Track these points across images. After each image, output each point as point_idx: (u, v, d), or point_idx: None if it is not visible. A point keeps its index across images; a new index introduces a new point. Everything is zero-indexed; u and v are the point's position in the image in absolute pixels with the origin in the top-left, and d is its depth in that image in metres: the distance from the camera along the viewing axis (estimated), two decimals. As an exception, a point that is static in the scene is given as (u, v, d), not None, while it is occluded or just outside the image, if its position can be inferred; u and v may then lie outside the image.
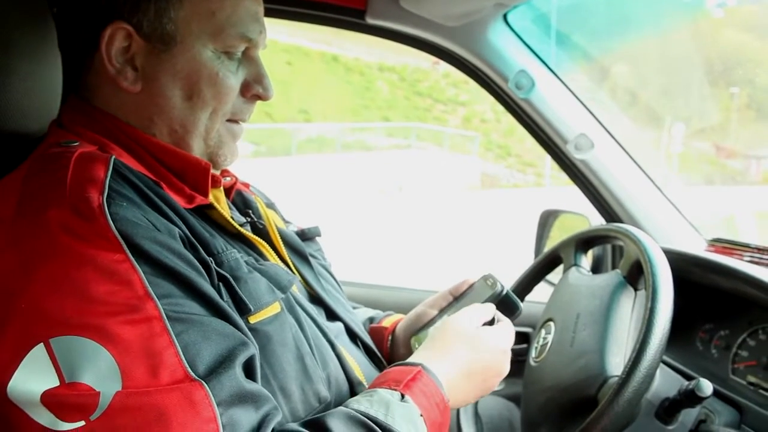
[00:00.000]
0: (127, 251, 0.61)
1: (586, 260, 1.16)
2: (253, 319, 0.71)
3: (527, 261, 1.26)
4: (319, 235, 1.03)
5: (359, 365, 0.88)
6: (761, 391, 1.04)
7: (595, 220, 1.44)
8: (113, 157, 0.70)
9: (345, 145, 16.07)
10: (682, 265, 1.17)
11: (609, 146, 1.39)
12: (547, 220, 1.59)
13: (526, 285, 1.23)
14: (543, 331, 1.07)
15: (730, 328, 1.17)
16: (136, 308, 0.60)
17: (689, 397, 0.91)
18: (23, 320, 0.58)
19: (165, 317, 0.60)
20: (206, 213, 0.78)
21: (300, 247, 0.94)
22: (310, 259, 0.94)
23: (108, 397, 0.56)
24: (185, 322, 0.61)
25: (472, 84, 1.43)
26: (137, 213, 0.65)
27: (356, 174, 13.64)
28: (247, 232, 0.82)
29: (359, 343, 0.93)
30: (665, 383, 0.98)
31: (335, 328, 0.89)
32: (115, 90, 0.77)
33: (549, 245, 1.53)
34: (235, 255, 0.74)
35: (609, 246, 1.39)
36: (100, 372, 0.57)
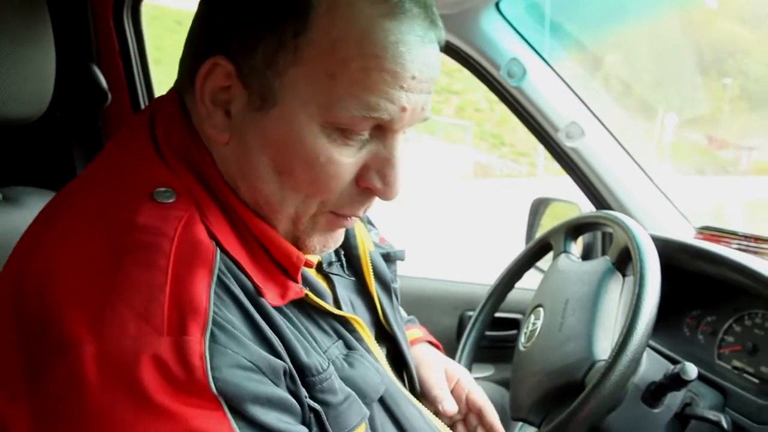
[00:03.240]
0: (228, 413, 0.51)
1: (576, 247, 1.17)
2: None
3: (519, 249, 1.28)
4: (402, 259, 0.90)
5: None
6: (745, 375, 1.06)
7: (585, 208, 1.45)
8: (218, 256, 0.56)
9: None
10: (671, 252, 1.18)
11: (600, 134, 1.40)
12: (538, 208, 1.60)
13: (516, 272, 1.24)
14: (532, 317, 1.09)
15: (716, 315, 1.19)
16: None
17: (675, 381, 0.93)
18: None
19: None
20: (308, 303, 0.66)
21: (386, 277, 0.83)
22: (392, 291, 0.84)
23: None
24: None
25: (466, 73, 1.43)
26: (242, 360, 0.53)
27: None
28: (346, 313, 0.70)
29: (405, 378, 0.85)
30: (652, 368, 0.99)
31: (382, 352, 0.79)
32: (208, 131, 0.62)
33: (540, 233, 1.55)
34: (329, 372, 0.62)
35: (599, 233, 1.40)
36: None
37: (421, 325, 1.05)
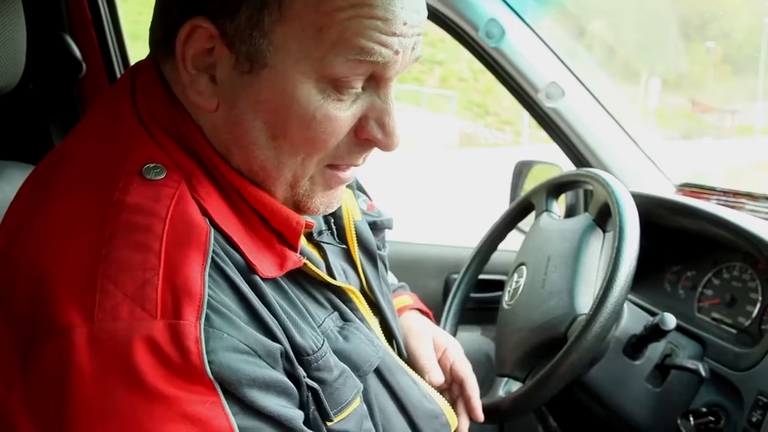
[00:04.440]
0: (222, 397, 0.50)
1: (558, 206, 1.18)
2: (332, 424, 0.61)
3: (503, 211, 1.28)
4: (390, 228, 0.89)
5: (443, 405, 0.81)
6: (723, 326, 1.09)
7: (567, 168, 1.45)
8: (212, 234, 0.54)
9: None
10: (651, 208, 1.19)
11: (579, 94, 1.40)
12: (521, 170, 1.60)
13: (499, 233, 1.25)
14: (515, 276, 1.10)
15: (696, 269, 1.21)
16: None
17: (654, 332, 0.94)
18: None
19: None
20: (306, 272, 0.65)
21: (371, 247, 0.81)
22: (378, 259, 0.82)
23: None
24: None
25: (449, 43, 1.42)
26: (238, 343, 0.52)
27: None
28: (342, 284, 0.69)
29: (394, 347, 0.83)
30: (633, 322, 1.01)
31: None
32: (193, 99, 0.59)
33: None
34: (324, 348, 0.61)
35: (581, 192, 1.41)
36: None
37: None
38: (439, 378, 0.85)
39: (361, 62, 0.55)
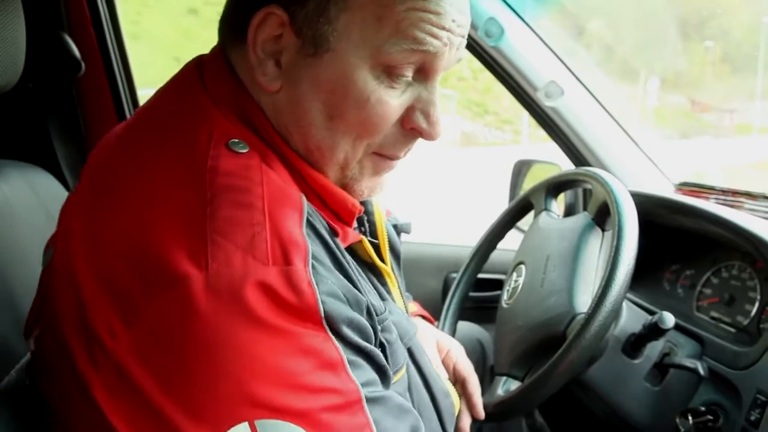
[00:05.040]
0: (330, 333, 0.55)
1: (557, 205, 1.18)
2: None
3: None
4: (408, 232, 0.94)
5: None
6: (722, 324, 1.09)
7: (566, 167, 1.46)
8: (304, 200, 0.60)
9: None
10: (650, 207, 1.20)
11: (579, 93, 1.40)
12: (520, 169, 1.61)
13: (498, 232, 1.25)
14: (514, 274, 1.10)
15: (695, 268, 1.21)
16: (340, 393, 0.54)
17: (653, 330, 0.94)
18: (227, 398, 0.51)
19: (365, 401, 0.56)
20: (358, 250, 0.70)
21: (397, 246, 0.86)
22: (401, 255, 0.88)
23: None
24: (379, 404, 0.57)
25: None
26: (336, 288, 0.57)
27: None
28: (383, 265, 0.74)
29: None
30: (632, 320, 1.01)
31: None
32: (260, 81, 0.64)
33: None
34: (388, 311, 0.67)
35: (580, 191, 1.41)
36: None
37: (408, 290, 1.06)
38: (443, 375, 0.89)
39: (413, 51, 0.61)
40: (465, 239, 1.72)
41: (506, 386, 0.99)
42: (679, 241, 1.24)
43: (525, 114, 1.49)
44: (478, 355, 1.24)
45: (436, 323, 1.09)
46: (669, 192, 1.40)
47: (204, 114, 0.63)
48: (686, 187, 1.40)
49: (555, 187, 1.16)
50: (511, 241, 1.28)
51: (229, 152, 0.60)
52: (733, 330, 1.06)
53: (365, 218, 0.80)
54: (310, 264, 0.55)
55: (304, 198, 0.60)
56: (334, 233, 0.63)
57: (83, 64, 1.32)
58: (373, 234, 0.80)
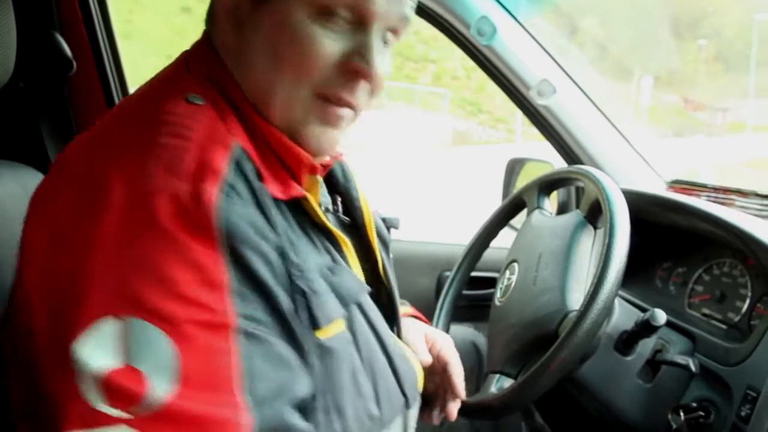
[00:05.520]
0: (225, 253, 0.58)
1: (549, 203, 1.18)
2: (320, 335, 0.67)
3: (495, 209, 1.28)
4: (396, 227, 1.00)
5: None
6: (713, 321, 1.09)
7: (559, 166, 1.46)
8: (236, 146, 0.64)
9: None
10: (642, 205, 1.20)
11: (571, 92, 1.40)
12: (513, 168, 1.61)
13: (491, 230, 1.25)
14: (507, 272, 1.10)
15: (687, 265, 1.21)
16: (213, 312, 0.56)
17: (645, 328, 0.95)
18: (104, 288, 0.55)
19: (238, 330, 0.57)
20: (300, 205, 0.72)
21: (384, 235, 0.89)
22: (389, 249, 0.91)
23: (159, 396, 0.53)
24: (256, 340, 0.58)
25: (442, 41, 1.42)
26: (246, 215, 0.60)
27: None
28: (332, 227, 0.75)
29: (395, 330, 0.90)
30: (624, 318, 1.02)
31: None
32: (222, 39, 0.71)
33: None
34: (313, 263, 0.69)
35: (573, 189, 1.41)
36: (160, 366, 0.54)
37: (401, 288, 1.07)
38: (427, 358, 0.92)
39: (344, 3, 0.66)
40: (458, 237, 1.72)
41: (499, 384, 0.99)
42: (671, 238, 1.25)
43: (519, 113, 1.49)
44: (473, 358, 1.24)
45: (430, 324, 1.10)
46: (661, 190, 1.40)
47: (177, 77, 0.71)
48: (678, 184, 1.41)
49: (548, 185, 1.16)
50: (504, 239, 1.28)
51: (186, 103, 0.66)
52: (724, 327, 1.07)
53: (339, 199, 0.85)
54: (223, 189, 0.59)
55: (237, 144, 0.64)
56: (261, 178, 0.66)
57: (75, 63, 1.31)
58: (360, 221, 0.85)
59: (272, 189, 0.67)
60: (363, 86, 0.71)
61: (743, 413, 0.89)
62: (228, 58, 0.71)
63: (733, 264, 1.12)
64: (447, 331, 1.20)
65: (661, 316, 0.93)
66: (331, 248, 0.75)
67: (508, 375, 0.99)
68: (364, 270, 0.84)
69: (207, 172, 0.59)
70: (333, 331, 0.68)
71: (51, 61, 1.27)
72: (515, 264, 1.09)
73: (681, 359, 0.97)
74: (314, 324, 0.65)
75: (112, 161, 0.61)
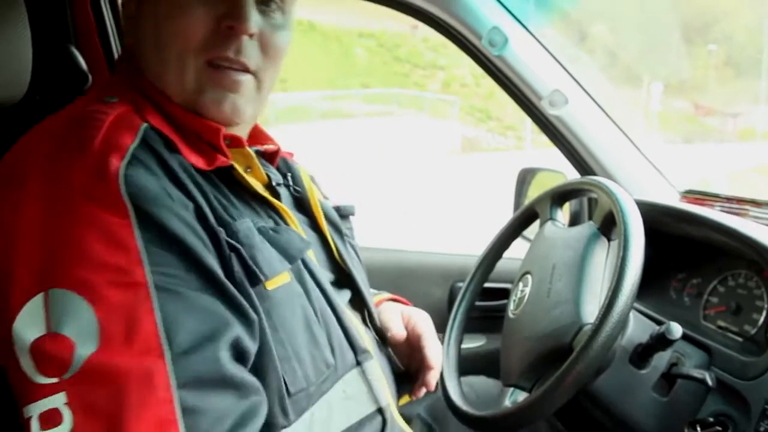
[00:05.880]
0: (133, 216, 0.63)
1: (562, 214, 1.18)
2: (269, 286, 0.72)
3: (507, 219, 1.28)
4: (353, 214, 1.03)
5: (368, 336, 0.91)
6: (729, 334, 1.08)
7: (571, 176, 1.46)
8: (145, 125, 0.71)
9: (324, 114, 15.92)
10: (656, 216, 1.19)
11: (583, 102, 1.40)
12: (525, 177, 1.60)
13: (504, 241, 1.25)
14: (520, 284, 1.10)
15: (701, 277, 1.20)
16: (126, 272, 0.61)
17: (660, 341, 0.94)
18: (32, 269, 0.61)
19: (153, 286, 0.61)
20: (232, 175, 0.78)
21: (338, 222, 0.96)
22: (344, 236, 0.97)
23: (83, 356, 0.57)
24: (173, 294, 0.62)
25: (451, 48, 1.42)
26: (152, 180, 0.66)
27: (338, 141, 13.55)
28: (269, 196, 0.81)
29: (370, 325, 0.96)
30: (639, 330, 1.01)
31: (344, 297, 0.91)
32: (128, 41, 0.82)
33: (527, 203, 1.56)
34: (248, 223, 0.74)
35: (585, 200, 1.41)
36: (82, 329, 0.58)
37: (414, 299, 1.11)
38: (399, 333, 0.97)
39: None
40: (468, 245, 1.72)
41: (514, 397, 0.99)
42: (684, 249, 1.24)
43: (528, 120, 1.49)
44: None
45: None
46: (674, 200, 1.40)
47: (99, 87, 0.82)
48: (691, 194, 1.40)
49: (560, 196, 1.16)
50: (517, 249, 1.28)
51: (101, 104, 0.73)
52: (740, 339, 1.06)
53: (289, 176, 0.91)
54: (126, 160, 0.65)
55: (147, 126, 0.71)
56: (178, 152, 0.72)
57: (90, 76, 1.32)
58: (308, 209, 0.92)
59: (194, 161, 0.73)
60: (249, 45, 0.76)
61: (762, 429, 0.88)
62: (136, 55, 0.79)
63: (749, 275, 1.11)
64: (460, 342, 1.19)
65: (677, 330, 0.92)
66: (273, 214, 0.81)
67: (522, 388, 0.98)
68: (324, 259, 0.91)
69: (112, 148, 0.66)
70: (279, 282, 0.73)
71: (67, 74, 1.28)
72: (529, 276, 1.08)
73: (697, 373, 0.96)
74: (255, 276, 0.70)
75: (31, 155, 0.68)
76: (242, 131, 0.84)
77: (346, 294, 0.93)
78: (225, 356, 0.63)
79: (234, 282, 0.68)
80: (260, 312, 0.70)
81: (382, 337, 0.98)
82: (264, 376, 0.69)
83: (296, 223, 0.84)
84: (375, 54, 20.58)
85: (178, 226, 0.65)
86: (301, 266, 0.79)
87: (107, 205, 0.62)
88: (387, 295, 1.10)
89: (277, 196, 0.86)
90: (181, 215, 0.66)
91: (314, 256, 0.86)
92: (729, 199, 1.29)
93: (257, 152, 0.87)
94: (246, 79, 0.78)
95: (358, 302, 0.95)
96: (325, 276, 0.85)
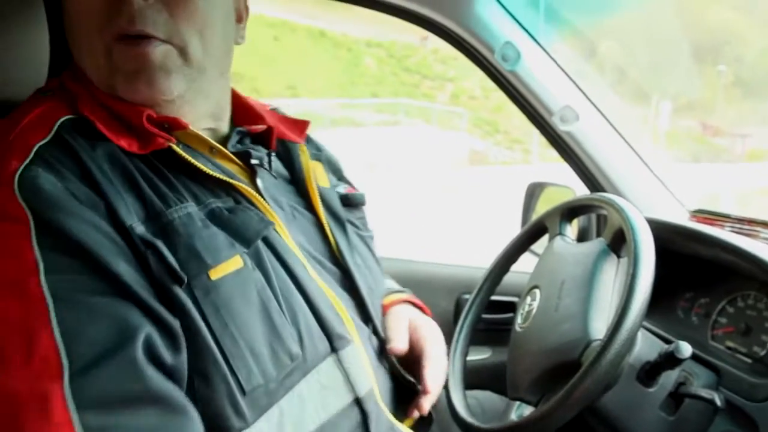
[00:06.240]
0: (31, 222, 0.58)
1: (571, 230, 1.18)
2: (213, 275, 0.66)
3: (514, 233, 1.28)
4: (363, 204, 0.99)
5: (351, 320, 0.83)
6: (738, 355, 1.08)
7: (580, 192, 1.46)
8: (62, 120, 0.68)
9: (335, 121, 15.99)
10: (665, 234, 1.19)
11: (594, 118, 1.40)
12: (533, 192, 1.61)
13: (512, 254, 1.24)
14: (528, 298, 1.10)
15: (710, 296, 1.20)
16: (19, 283, 0.56)
17: (669, 360, 0.94)
18: None
19: (49, 295, 0.56)
20: (176, 157, 0.72)
21: (337, 210, 0.91)
22: (347, 225, 0.91)
23: None
24: (72, 303, 0.57)
25: (460, 60, 1.43)
26: (52, 181, 0.61)
27: (346, 149, 13.56)
28: (220, 175, 0.74)
29: (369, 325, 0.89)
30: (647, 348, 1.00)
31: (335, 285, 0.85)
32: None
33: (535, 217, 1.55)
34: (188, 209, 0.69)
35: (594, 216, 1.41)
36: None
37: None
38: (399, 346, 0.90)
39: None
40: (472, 256, 1.72)
41: (519, 411, 0.98)
42: (693, 268, 1.24)
43: (535, 134, 1.49)
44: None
45: (432, 316, 1.06)
46: (684, 219, 1.39)
47: (49, 82, 0.79)
48: (701, 214, 1.40)
49: (570, 211, 1.16)
50: (523, 263, 1.28)
51: (33, 99, 0.73)
52: (749, 360, 1.05)
53: (270, 153, 0.86)
54: (28, 160, 0.62)
55: (62, 121, 0.68)
56: (111, 143, 0.68)
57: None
58: (306, 196, 0.88)
59: (125, 145, 0.69)
60: (147, 9, 0.68)
61: (770, 451, 0.87)
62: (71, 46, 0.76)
63: (759, 297, 1.10)
64: (466, 354, 1.19)
65: (686, 349, 0.92)
66: (235, 194, 0.76)
67: (528, 402, 0.98)
68: (321, 247, 0.86)
69: (15, 149, 0.63)
70: (227, 269, 0.67)
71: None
72: (537, 290, 1.08)
73: (706, 393, 0.95)
74: (194, 268, 0.65)
75: None
76: (185, 110, 0.76)
77: (342, 286, 0.86)
78: (136, 367, 0.57)
79: (154, 281, 0.63)
80: (192, 309, 0.64)
81: (382, 341, 0.92)
82: (207, 379, 0.63)
83: (264, 203, 0.78)
84: (384, 64, 20.68)
85: (79, 228, 0.60)
86: (261, 248, 0.73)
87: (4, 211, 0.59)
88: (403, 295, 1.04)
89: (252, 175, 0.82)
90: (84, 217, 0.61)
91: (304, 241, 0.82)
92: (740, 220, 1.29)
93: (240, 132, 0.83)
94: (158, 50, 0.70)
95: (361, 309, 0.88)
96: (294, 258, 0.78)
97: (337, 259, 0.87)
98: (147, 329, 0.59)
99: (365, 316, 0.88)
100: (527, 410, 0.97)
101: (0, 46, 0.83)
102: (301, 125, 0.94)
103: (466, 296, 1.41)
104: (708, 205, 1.41)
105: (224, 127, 0.85)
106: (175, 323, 0.62)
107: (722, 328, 1.15)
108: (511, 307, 1.57)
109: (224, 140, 0.84)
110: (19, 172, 0.60)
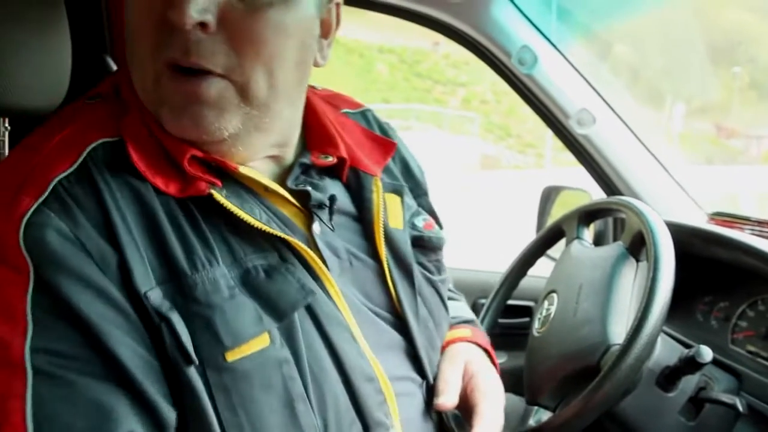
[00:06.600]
0: (31, 274, 0.52)
1: (589, 233, 1.17)
2: (230, 357, 0.57)
3: (529, 238, 1.28)
4: (440, 248, 0.85)
5: (398, 408, 0.70)
6: (759, 359, 1.07)
7: (596, 196, 1.45)
8: (96, 144, 0.60)
9: (345, 127, 16.00)
10: (684, 237, 1.18)
11: (610, 121, 1.40)
12: (549, 196, 1.60)
13: (529, 258, 1.24)
14: (546, 303, 1.09)
15: (729, 300, 1.19)
16: (7, 348, 0.50)
17: (689, 364, 0.93)
18: None
19: (30, 368, 0.50)
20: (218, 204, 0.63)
21: (405, 254, 0.77)
22: (414, 270, 0.78)
23: None
24: (53, 379, 0.51)
25: (472, 65, 1.44)
26: (65, 230, 0.54)
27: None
28: (268, 228, 0.63)
29: (423, 380, 0.77)
30: (666, 352, 1.00)
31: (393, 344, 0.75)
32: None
33: (551, 221, 1.55)
34: (216, 272, 0.59)
35: (610, 220, 1.40)
36: None
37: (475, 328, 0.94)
38: (447, 402, 0.76)
39: None
40: (491, 264, 1.71)
41: (537, 416, 0.98)
42: (712, 272, 1.23)
43: (548, 138, 1.49)
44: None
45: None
46: (702, 222, 1.38)
47: (102, 85, 0.72)
48: (720, 217, 1.38)
49: (588, 215, 1.15)
50: (540, 267, 1.27)
51: (82, 104, 0.66)
52: (770, 365, 1.04)
53: (335, 199, 0.73)
54: (43, 198, 0.55)
55: (91, 147, 0.60)
56: (145, 181, 0.60)
57: (123, 86, 1.35)
58: (371, 238, 0.76)
59: (161, 185, 0.60)
60: (204, 39, 0.59)
61: (794, 457, 0.86)
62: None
63: (779, 300, 1.09)
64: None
65: (707, 353, 0.91)
66: (282, 247, 0.65)
67: (546, 407, 0.98)
68: (380, 297, 0.75)
69: (34, 181, 0.56)
70: (250, 349, 0.58)
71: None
72: (554, 294, 1.08)
73: (727, 398, 0.94)
74: (219, 346, 0.57)
75: None
76: (239, 148, 0.66)
77: (396, 341, 0.75)
78: None
79: (164, 357, 0.56)
80: (201, 391, 0.56)
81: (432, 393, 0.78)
82: None
83: (315, 257, 0.67)
84: (396, 69, 20.71)
85: (81, 296, 0.53)
86: (297, 318, 0.63)
87: (5, 258, 0.52)
88: (467, 333, 0.89)
89: (308, 220, 0.71)
90: (90, 281, 0.53)
91: (359, 292, 0.72)
92: (759, 222, 1.28)
93: (303, 165, 0.72)
94: (213, 88, 0.60)
95: (415, 360, 0.76)
96: (351, 316, 0.68)
97: (396, 310, 0.76)
98: (129, 426, 0.52)
99: (420, 371, 0.77)
100: (545, 415, 0.96)
101: (23, 53, 0.84)
102: (385, 147, 0.81)
103: (482, 301, 1.40)
104: (726, 207, 1.40)
105: (290, 154, 0.73)
106: (171, 415, 0.55)
107: (742, 332, 1.13)
108: (528, 311, 1.56)
109: (287, 171, 0.73)
110: (28, 216, 0.53)
